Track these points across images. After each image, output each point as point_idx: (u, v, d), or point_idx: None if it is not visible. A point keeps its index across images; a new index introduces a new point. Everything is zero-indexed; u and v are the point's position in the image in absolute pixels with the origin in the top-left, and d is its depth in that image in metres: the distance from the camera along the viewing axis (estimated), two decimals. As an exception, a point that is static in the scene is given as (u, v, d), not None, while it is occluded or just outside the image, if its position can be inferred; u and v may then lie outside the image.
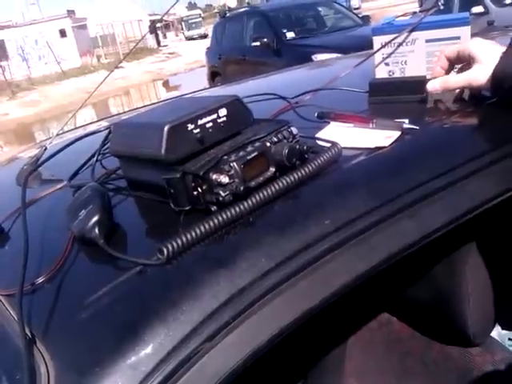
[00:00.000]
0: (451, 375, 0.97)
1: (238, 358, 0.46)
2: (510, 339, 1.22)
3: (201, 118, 0.60)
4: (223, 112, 0.63)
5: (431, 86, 0.83)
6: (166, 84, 17.86)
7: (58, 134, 1.09)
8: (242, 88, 1.54)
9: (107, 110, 11.97)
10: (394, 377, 1.04)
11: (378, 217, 0.57)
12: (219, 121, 0.62)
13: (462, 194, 0.62)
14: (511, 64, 0.69)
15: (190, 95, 1.49)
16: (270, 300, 0.49)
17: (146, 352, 0.44)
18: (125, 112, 1.58)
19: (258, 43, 7.49)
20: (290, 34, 7.31)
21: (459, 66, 0.83)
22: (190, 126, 0.59)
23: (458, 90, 0.84)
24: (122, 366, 0.43)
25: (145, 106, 1.45)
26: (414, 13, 0.98)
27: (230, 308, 0.48)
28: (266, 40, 7.28)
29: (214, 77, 9.14)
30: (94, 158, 0.82)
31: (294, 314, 0.50)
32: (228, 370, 0.45)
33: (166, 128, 0.57)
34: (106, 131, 0.89)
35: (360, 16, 8.72)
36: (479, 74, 0.75)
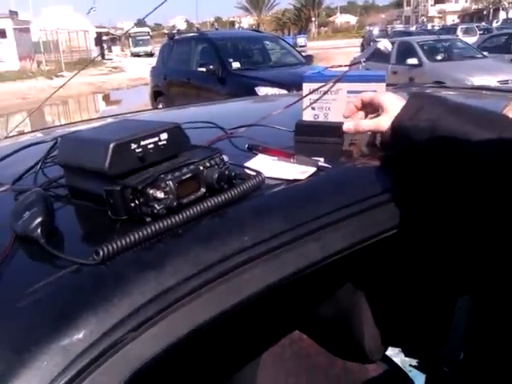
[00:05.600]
0: None
1: (158, 346, 0.54)
2: (410, 365, 1.37)
3: (143, 140, 0.69)
4: (164, 136, 0.71)
5: (346, 127, 0.92)
6: (106, 98, 17.58)
7: (6, 138, 1.13)
8: (184, 113, 1.63)
9: (42, 119, 11.61)
10: (301, 390, 1.14)
11: (288, 238, 0.68)
12: (160, 143, 0.71)
13: (360, 225, 0.74)
14: (406, 117, 0.81)
15: (134, 116, 1.56)
16: (190, 301, 0.58)
17: (78, 337, 0.51)
18: (67, 124, 1.62)
19: (203, 69, 7.62)
20: (236, 64, 7.51)
21: (372, 115, 0.96)
22: (133, 146, 0.67)
23: (369, 135, 0.97)
24: (56, 347, 0.50)
25: (85, 121, 1.50)
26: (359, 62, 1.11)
27: (155, 304, 0.56)
28: (211, 67, 7.43)
29: (157, 96, 9.15)
30: (38, 166, 0.87)
31: (210, 314, 0.59)
32: (149, 356, 0.53)
33: (111, 145, 0.65)
34: (51, 142, 0.94)
35: (304, 55, 9.12)
36: (384, 122, 0.86)
